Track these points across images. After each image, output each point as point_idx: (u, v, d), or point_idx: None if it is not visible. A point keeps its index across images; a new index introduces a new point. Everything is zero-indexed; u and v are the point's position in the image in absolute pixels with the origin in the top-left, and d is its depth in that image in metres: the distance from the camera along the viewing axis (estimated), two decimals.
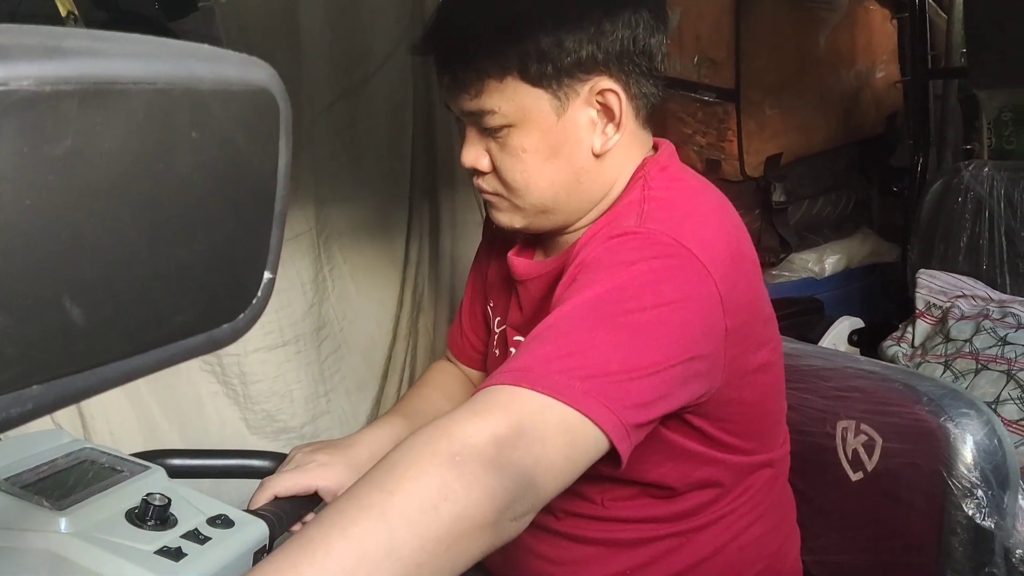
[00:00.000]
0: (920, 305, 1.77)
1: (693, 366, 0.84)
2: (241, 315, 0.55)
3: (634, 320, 0.81)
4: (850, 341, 1.97)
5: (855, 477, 1.12)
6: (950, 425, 1.01)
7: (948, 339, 1.64)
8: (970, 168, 1.81)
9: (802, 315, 1.99)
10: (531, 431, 0.72)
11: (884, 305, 2.18)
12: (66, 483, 0.90)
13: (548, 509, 1.01)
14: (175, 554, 0.82)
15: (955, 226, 1.82)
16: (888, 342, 1.78)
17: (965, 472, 1.00)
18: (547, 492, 0.73)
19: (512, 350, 1.09)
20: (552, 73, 0.92)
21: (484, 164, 0.99)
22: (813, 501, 1.16)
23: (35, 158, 0.41)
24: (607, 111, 0.95)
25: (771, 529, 1.07)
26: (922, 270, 1.81)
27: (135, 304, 0.48)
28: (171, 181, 0.48)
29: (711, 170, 2.16)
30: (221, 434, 1.55)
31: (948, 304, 1.72)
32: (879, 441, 1.09)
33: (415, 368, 1.84)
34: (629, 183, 0.99)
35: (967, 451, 1.00)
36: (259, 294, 0.55)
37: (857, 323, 1.98)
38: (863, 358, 1.18)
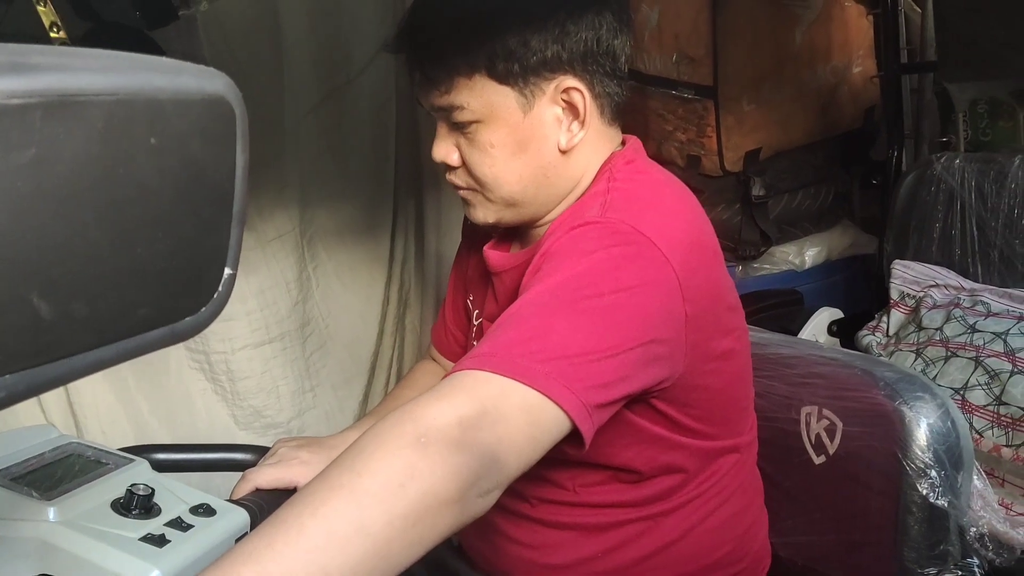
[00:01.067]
0: (894, 295, 1.80)
1: (652, 349, 0.87)
2: (203, 308, 0.58)
3: (593, 305, 0.84)
4: (830, 332, 2.00)
5: (818, 461, 1.16)
6: (905, 408, 1.05)
7: (920, 328, 1.67)
8: (942, 160, 1.84)
9: (782, 307, 2.02)
10: (493, 412, 0.74)
11: (864, 296, 2.20)
12: (54, 475, 0.94)
13: (522, 496, 1.06)
14: (159, 540, 0.85)
15: (928, 217, 1.86)
16: (863, 332, 1.81)
17: (919, 453, 1.03)
18: (511, 470, 0.75)
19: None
20: (519, 72, 0.96)
21: (454, 159, 1.03)
22: (780, 485, 1.19)
23: (3, 166, 0.45)
24: (572, 109, 0.99)
25: (738, 512, 1.10)
26: (897, 261, 1.84)
27: (100, 299, 0.51)
28: (132, 185, 0.51)
29: (691, 165, 2.20)
30: (210, 430, 1.58)
31: (921, 294, 1.75)
32: (840, 425, 1.12)
33: (402, 363, 1.87)
34: (596, 177, 1.02)
35: (921, 433, 1.04)
36: (220, 289, 0.59)
37: (837, 314, 2.01)
38: (826, 345, 1.22)
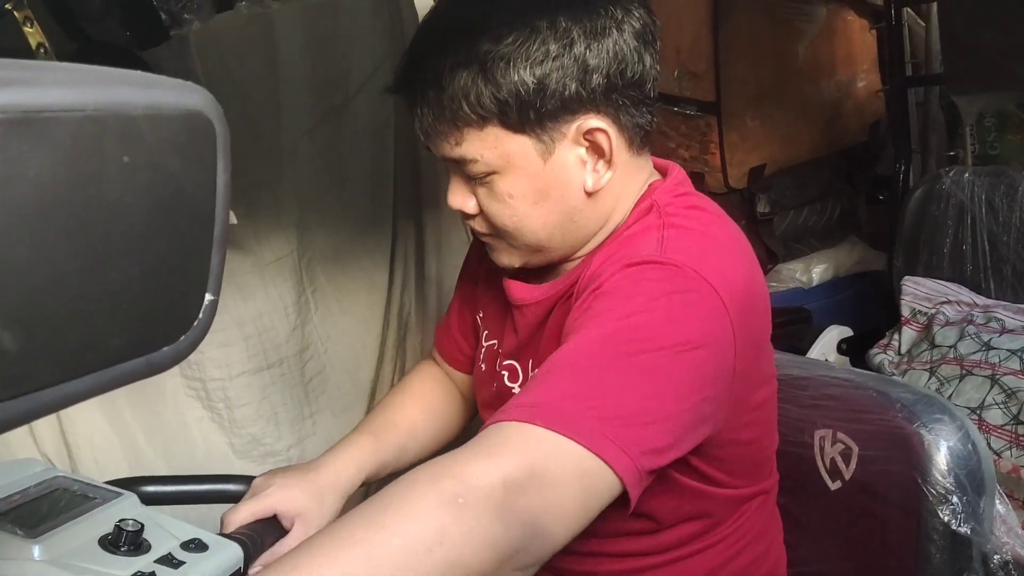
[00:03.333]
0: (905, 312, 1.77)
1: (703, 409, 0.81)
2: (182, 337, 0.55)
3: (650, 361, 0.77)
4: (839, 350, 1.97)
5: (834, 486, 1.12)
6: (924, 431, 1.01)
7: (933, 345, 1.63)
8: (951, 174, 1.81)
9: (790, 325, 1.98)
10: (544, 474, 0.68)
11: (873, 313, 2.17)
12: (39, 511, 0.90)
13: None
14: None
15: (938, 232, 1.83)
16: (875, 350, 1.78)
17: (940, 478, 0.99)
18: (556, 542, 0.70)
19: (504, 373, 1.07)
20: (534, 118, 0.87)
21: (471, 207, 0.95)
22: (794, 511, 1.15)
23: None
24: (596, 148, 0.90)
25: (761, 554, 1.05)
26: (907, 277, 1.81)
27: (68, 329, 0.48)
28: (102, 205, 0.48)
29: (696, 182, 2.16)
30: (207, 459, 1.54)
31: (933, 310, 1.72)
32: (855, 449, 1.08)
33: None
34: (636, 208, 0.95)
35: (941, 457, 1.00)
36: (200, 316, 0.56)
37: (846, 332, 1.98)
38: (839, 366, 1.18)
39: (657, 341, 0.78)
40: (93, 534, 0.87)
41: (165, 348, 0.54)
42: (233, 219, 1.33)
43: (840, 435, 1.10)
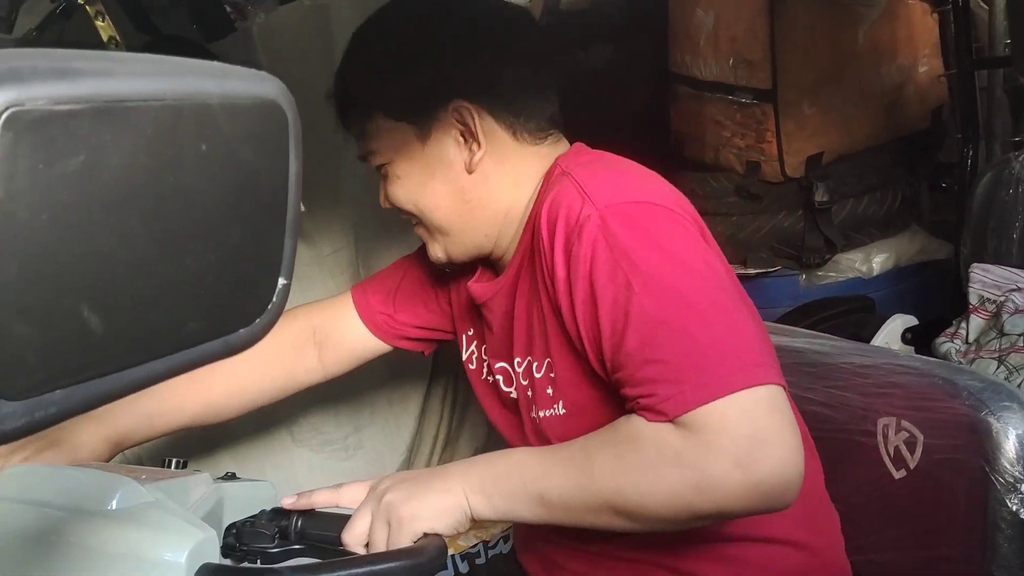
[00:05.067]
0: (973, 300, 1.73)
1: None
2: (256, 320, 0.57)
3: (700, 290, 0.87)
4: (903, 340, 1.93)
5: (898, 475, 1.10)
6: (992, 419, 0.99)
7: (1002, 333, 1.60)
8: (1020, 158, 1.76)
9: (852, 314, 1.95)
10: (760, 432, 0.79)
11: (938, 303, 2.12)
12: None
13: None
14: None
15: (1007, 218, 1.78)
16: (941, 339, 1.74)
17: (1008, 467, 0.97)
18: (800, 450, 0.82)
19: (498, 378, 1.10)
20: (409, 107, 1.01)
21: (388, 205, 1.09)
22: (856, 500, 1.14)
23: (50, 174, 0.43)
24: (468, 129, 1.00)
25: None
26: (975, 264, 1.76)
27: (150, 312, 0.50)
28: (181, 193, 0.50)
29: (751, 172, 2.15)
30: (266, 445, 1.57)
31: (1002, 298, 1.67)
32: (920, 438, 1.07)
33: (458, 374, 1.85)
34: (545, 182, 1.02)
35: (1010, 445, 0.98)
36: (274, 300, 0.57)
37: (911, 321, 1.93)
38: (904, 354, 1.16)
39: (687, 267, 0.87)
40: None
41: (241, 330, 0.55)
42: (302, 207, 1.34)
43: (905, 423, 1.09)
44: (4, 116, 0.41)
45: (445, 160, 1.02)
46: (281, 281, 0.57)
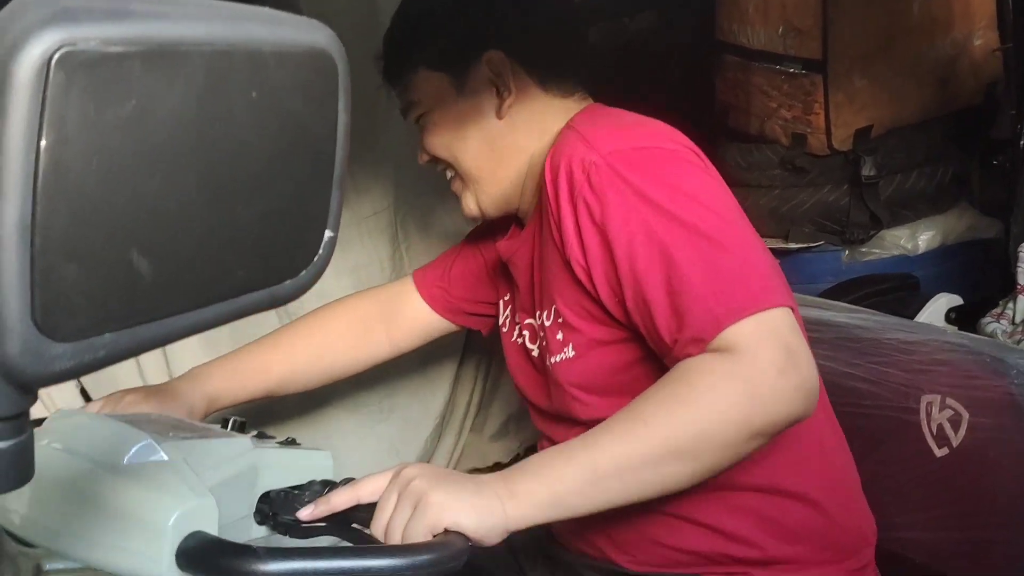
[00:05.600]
0: (1022, 280, 1.68)
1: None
2: (303, 272, 0.57)
3: (713, 221, 0.90)
4: (947, 319, 1.88)
5: (940, 453, 1.09)
6: None
7: None
8: None
9: (895, 291, 1.91)
10: (787, 342, 0.83)
11: (985, 283, 2.07)
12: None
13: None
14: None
15: None
16: (987, 319, 1.70)
17: None
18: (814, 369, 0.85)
19: (525, 334, 1.14)
20: (447, 58, 1.08)
21: (424, 158, 1.15)
22: (895, 477, 1.13)
23: (101, 120, 0.43)
24: (500, 77, 1.06)
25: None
26: None
27: (198, 259, 0.50)
28: (230, 142, 0.50)
29: (796, 144, 2.10)
30: (301, 406, 1.59)
31: None
32: (966, 416, 1.05)
33: (494, 337, 1.85)
34: (557, 138, 1.05)
35: None
36: (320, 252, 0.57)
37: (956, 300, 1.88)
38: (950, 331, 1.14)
39: (696, 202, 0.91)
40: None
41: (287, 281, 0.55)
42: None
43: (950, 401, 1.07)
44: (56, 56, 0.40)
45: (478, 107, 1.07)
46: (328, 234, 0.57)
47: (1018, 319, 1.67)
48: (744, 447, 0.83)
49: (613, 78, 2.25)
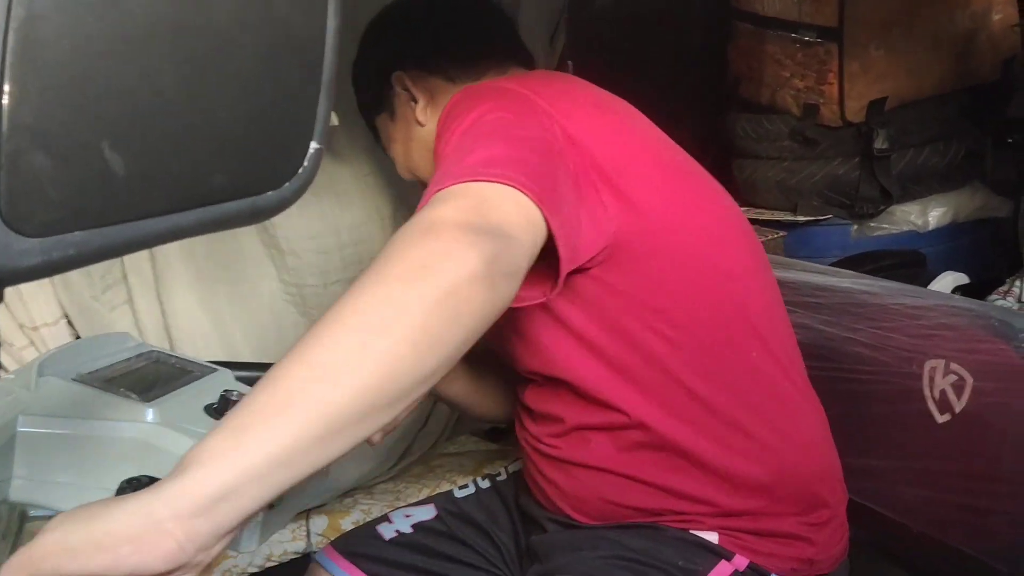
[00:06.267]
0: None
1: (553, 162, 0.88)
2: (286, 184, 0.54)
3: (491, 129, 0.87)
4: None
5: (942, 419, 1.06)
6: None
7: None
8: None
9: (901, 268, 1.89)
10: (487, 201, 0.75)
11: (993, 262, 2.04)
12: (146, 379, 0.93)
13: None
14: None
15: None
16: (993, 296, 1.67)
17: None
18: (524, 248, 0.74)
19: None
20: (376, 99, 1.16)
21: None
22: (894, 442, 1.11)
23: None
24: (409, 91, 1.11)
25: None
26: None
27: (174, 158, 0.48)
28: (212, 36, 0.47)
29: (808, 115, 2.07)
30: None
31: None
32: (970, 381, 1.03)
33: None
34: None
35: None
36: (305, 164, 0.55)
37: (962, 279, 1.86)
38: (957, 296, 1.11)
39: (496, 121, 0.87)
40: (200, 402, 0.90)
41: (270, 193, 0.53)
42: (335, 120, 1.32)
43: (954, 366, 1.05)
44: None
45: (407, 124, 1.13)
46: (313, 145, 0.55)
47: None
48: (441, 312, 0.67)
49: (620, 44, 2.23)
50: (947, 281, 1.88)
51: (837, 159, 2.09)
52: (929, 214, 2.10)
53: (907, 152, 2.06)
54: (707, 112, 2.24)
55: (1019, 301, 1.63)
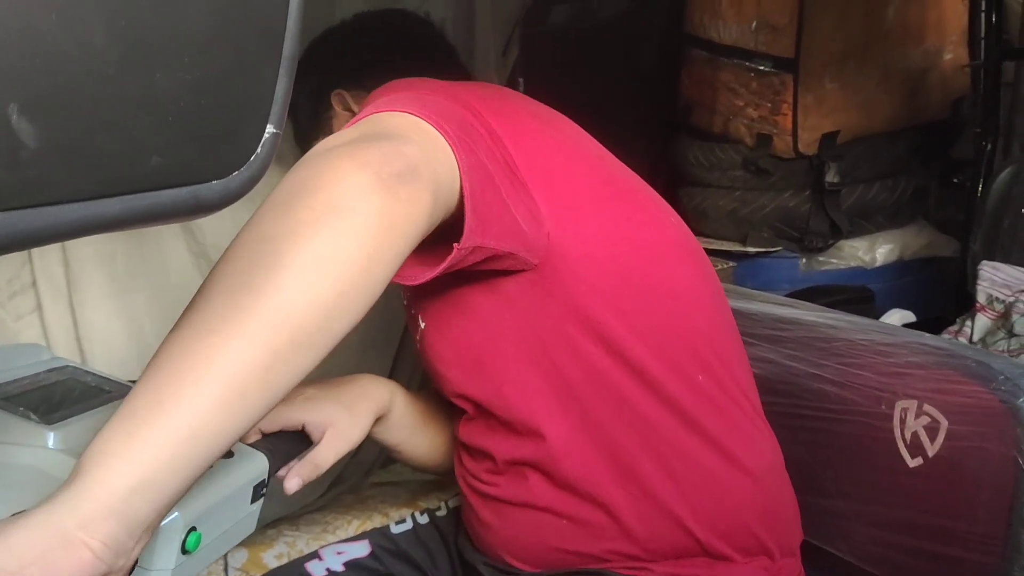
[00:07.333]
0: (981, 298, 1.65)
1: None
2: (235, 173, 0.46)
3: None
4: None
5: (913, 463, 1.01)
6: None
7: (1012, 335, 1.53)
8: None
9: (851, 304, 1.87)
10: (380, 121, 0.72)
11: (938, 301, 2.06)
12: (52, 398, 0.83)
13: None
14: None
15: (1023, 217, 1.70)
16: (945, 336, 1.66)
17: None
18: (417, 148, 0.67)
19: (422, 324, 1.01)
20: (313, 120, 1.14)
21: None
22: (860, 486, 1.06)
23: None
24: (348, 109, 1.10)
25: None
26: (985, 262, 1.69)
27: (102, 131, 0.39)
28: None
29: (761, 145, 2.05)
30: None
31: (1012, 298, 1.60)
32: (944, 423, 0.98)
33: None
34: None
35: None
36: (259, 151, 0.47)
37: (909, 317, 1.86)
38: (929, 335, 1.07)
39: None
40: None
41: (215, 182, 0.45)
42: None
43: (927, 407, 1.00)
44: None
45: None
46: (270, 129, 0.46)
47: (975, 337, 1.64)
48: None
49: (572, 65, 2.18)
50: (894, 319, 1.88)
51: (788, 191, 2.08)
52: (877, 250, 2.11)
53: (857, 187, 2.06)
54: (658, 137, 2.21)
55: (971, 341, 1.62)
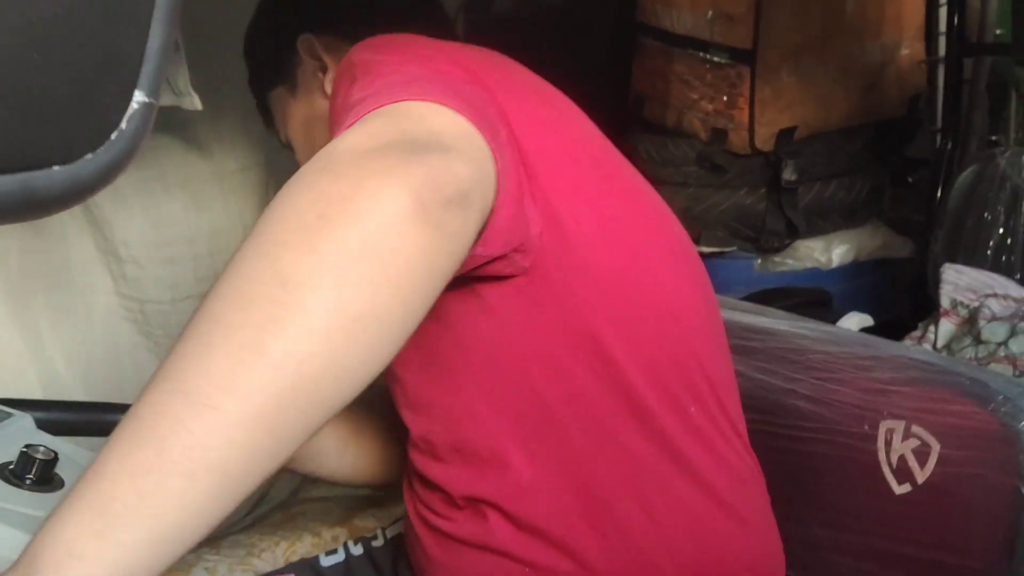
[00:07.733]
0: (945, 303, 1.59)
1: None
2: (88, 156, 0.34)
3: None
4: None
5: (900, 490, 0.93)
6: None
7: (979, 341, 1.46)
8: (1006, 155, 1.63)
9: (808, 307, 1.80)
10: (408, 114, 0.59)
11: (894, 303, 2.01)
12: None
13: None
14: None
15: (986, 219, 1.65)
16: (908, 342, 1.60)
17: None
18: (465, 158, 0.56)
19: None
20: (273, 68, 1.00)
21: None
22: (840, 515, 0.97)
23: None
24: (319, 58, 0.95)
25: None
26: (948, 265, 1.63)
27: None
28: None
29: (716, 140, 1.97)
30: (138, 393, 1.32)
31: (977, 303, 1.54)
32: (935, 447, 0.89)
33: None
34: None
35: None
36: (123, 125, 0.34)
37: (867, 320, 1.80)
38: (916, 348, 0.99)
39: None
40: None
41: (56, 168, 0.32)
42: (197, 103, 1.10)
43: (916, 428, 0.91)
44: None
45: (312, 99, 0.97)
46: (138, 97, 0.34)
47: (940, 343, 1.57)
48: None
49: (518, 50, 2.07)
50: (852, 322, 1.81)
51: (744, 188, 2.00)
52: (833, 251, 2.05)
53: (814, 185, 2.00)
54: (608, 131, 2.12)
55: (935, 348, 1.56)
